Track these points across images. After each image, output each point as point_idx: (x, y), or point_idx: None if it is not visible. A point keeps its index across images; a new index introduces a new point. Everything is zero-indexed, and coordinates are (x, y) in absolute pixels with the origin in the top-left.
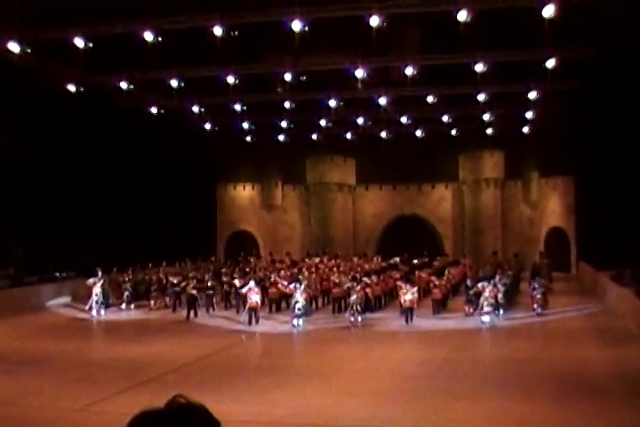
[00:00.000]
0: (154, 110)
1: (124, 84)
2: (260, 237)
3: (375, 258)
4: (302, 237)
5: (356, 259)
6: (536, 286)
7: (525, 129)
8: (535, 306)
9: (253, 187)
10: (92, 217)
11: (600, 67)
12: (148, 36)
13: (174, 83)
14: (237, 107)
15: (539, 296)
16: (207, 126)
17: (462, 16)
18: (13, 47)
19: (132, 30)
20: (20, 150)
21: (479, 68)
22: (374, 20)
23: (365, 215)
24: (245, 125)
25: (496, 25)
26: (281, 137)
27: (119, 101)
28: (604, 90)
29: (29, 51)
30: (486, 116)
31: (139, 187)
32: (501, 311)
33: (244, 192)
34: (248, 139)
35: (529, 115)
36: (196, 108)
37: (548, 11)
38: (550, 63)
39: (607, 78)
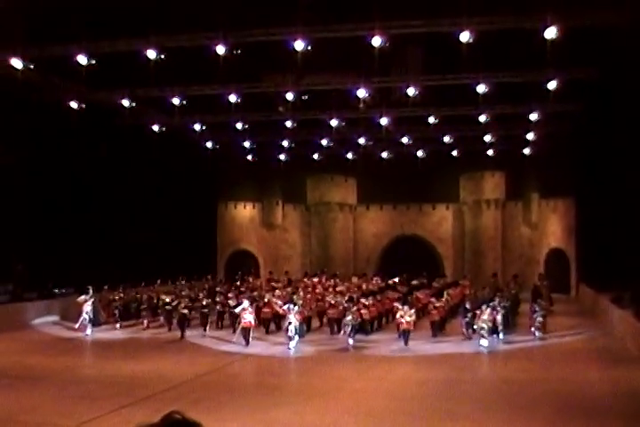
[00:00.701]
0: (155, 128)
1: (126, 102)
2: (261, 256)
3: (374, 278)
4: (303, 257)
5: (354, 279)
6: (537, 308)
7: (526, 150)
8: (533, 329)
9: (254, 206)
10: (92, 234)
11: (602, 89)
12: (151, 53)
13: (176, 100)
14: (239, 125)
15: (539, 319)
16: (209, 144)
17: (464, 37)
18: (16, 63)
19: (135, 48)
20: (21, 167)
21: (481, 88)
22: (376, 41)
23: (366, 235)
24: (247, 144)
25: (498, 46)
26: (282, 156)
27: (121, 119)
28: (605, 112)
29: (32, 67)
30: (487, 137)
31: (139, 204)
32: (501, 335)
33: (245, 211)
34: (249, 157)
35: (530, 136)
36: (197, 126)
37: (551, 32)
38: (552, 85)
39: (609, 100)
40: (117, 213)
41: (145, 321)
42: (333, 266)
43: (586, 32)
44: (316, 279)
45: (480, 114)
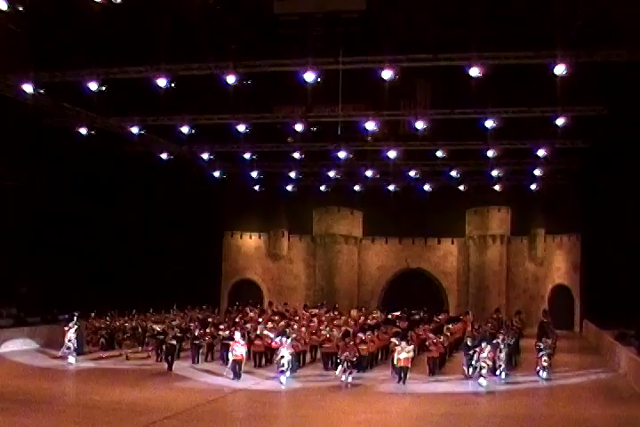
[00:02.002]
0: (164, 156)
1: (135, 129)
2: (265, 286)
3: (375, 311)
4: (307, 288)
5: (354, 312)
6: (542, 346)
7: (533, 186)
8: (538, 368)
9: (260, 236)
10: (97, 260)
11: (610, 125)
12: (162, 81)
13: (185, 129)
14: (247, 155)
15: (545, 359)
16: (216, 174)
17: (474, 72)
18: (27, 88)
19: (146, 75)
20: (27, 190)
21: (489, 123)
22: (386, 74)
23: (371, 268)
24: (254, 174)
25: (507, 81)
26: (289, 187)
27: (130, 146)
28: (613, 149)
29: (43, 92)
30: (494, 172)
31: (145, 232)
32: (503, 375)
33: (251, 241)
34: (257, 188)
35: (537, 172)
36: (205, 155)
37: (560, 69)
38: (560, 121)
39: (617, 137)
40: (123, 239)
41: (127, 352)
42: (337, 298)
43: (594, 69)
44: (316, 311)
45: (488, 149)
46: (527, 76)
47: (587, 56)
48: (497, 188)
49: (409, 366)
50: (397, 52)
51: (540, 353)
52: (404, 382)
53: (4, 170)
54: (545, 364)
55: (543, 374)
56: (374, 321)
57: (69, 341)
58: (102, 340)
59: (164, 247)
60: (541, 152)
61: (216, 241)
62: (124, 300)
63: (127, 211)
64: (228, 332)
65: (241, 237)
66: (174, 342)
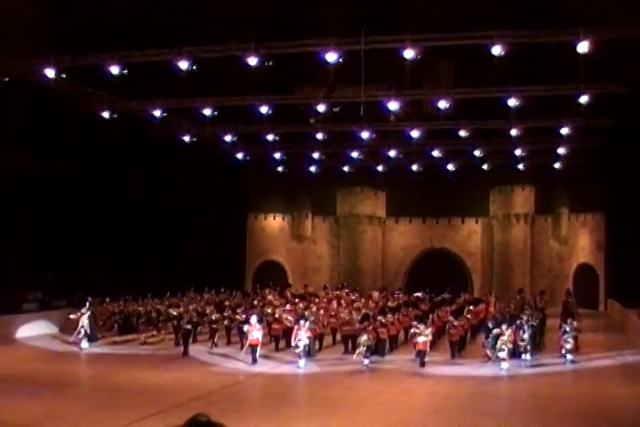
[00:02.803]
0: (186, 139)
1: (157, 112)
2: (289, 267)
3: (397, 293)
4: (331, 269)
5: (375, 293)
6: (567, 329)
7: (557, 164)
8: (564, 351)
9: (283, 217)
10: (121, 243)
11: (633, 103)
12: (183, 64)
13: (207, 111)
14: (270, 137)
15: (569, 340)
16: (239, 156)
17: (496, 50)
18: (49, 73)
19: (167, 58)
20: (51, 176)
21: (512, 102)
22: (408, 53)
23: (395, 248)
24: (277, 156)
25: (530, 59)
26: (312, 168)
27: (152, 129)
28: (636, 126)
29: (65, 76)
30: (518, 151)
31: (169, 215)
32: (527, 356)
33: (274, 222)
34: (280, 169)
35: (561, 150)
36: (228, 138)
37: (583, 46)
38: (583, 98)
39: None
40: (147, 222)
41: (142, 336)
42: (361, 278)
43: (617, 46)
44: (336, 292)
45: (511, 128)
46: (550, 53)
47: (610, 33)
48: (520, 167)
49: (427, 349)
50: (419, 32)
51: (565, 335)
52: (422, 366)
53: (26, 155)
54: (569, 346)
55: (568, 357)
56: (395, 303)
57: (82, 326)
58: (116, 325)
59: (188, 231)
60: (565, 130)
61: (240, 223)
62: (148, 283)
63: (150, 195)
64: (244, 316)
65: (265, 219)
66: (189, 326)
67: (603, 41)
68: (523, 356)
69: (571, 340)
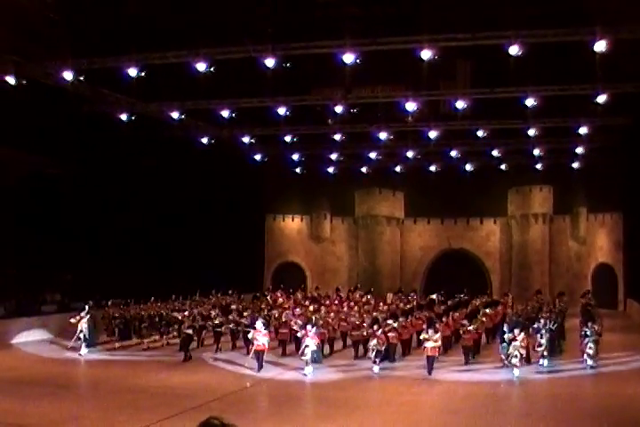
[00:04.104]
0: (204, 140)
1: (175, 114)
2: (308, 268)
3: (412, 295)
4: (349, 269)
5: (389, 295)
6: (588, 332)
7: (575, 164)
8: (585, 356)
9: (302, 218)
10: (139, 245)
11: None
12: (201, 66)
13: (225, 113)
14: (288, 138)
15: (590, 345)
16: (257, 157)
17: (513, 50)
18: (67, 75)
19: (185, 60)
20: (69, 178)
21: (530, 102)
22: (425, 54)
23: (413, 249)
24: (295, 157)
25: (547, 59)
26: (330, 169)
27: (170, 131)
28: None
29: (82, 79)
30: (536, 151)
31: (188, 216)
32: (545, 362)
33: (293, 224)
34: (298, 170)
35: (579, 150)
36: (246, 139)
37: (600, 45)
38: (601, 98)
39: None
40: (164, 225)
41: (145, 341)
42: (380, 279)
43: (635, 44)
44: (349, 295)
45: (529, 127)
46: (567, 53)
47: (627, 32)
48: (538, 166)
49: (436, 355)
50: (436, 32)
51: (586, 339)
52: (429, 373)
53: (44, 158)
54: (591, 351)
55: (589, 362)
56: (409, 306)
57: (81, 331)
58: (117, 330)
59: (206, 232)
60: (582, 130)
61: (258, 224)
62: (165, 286)
63: (168, 196)
64: (249, 320)
65: (283, 220)
66: (190, 331)
67: (620, 40)
68: (540, 361)
69: (592, 345)
